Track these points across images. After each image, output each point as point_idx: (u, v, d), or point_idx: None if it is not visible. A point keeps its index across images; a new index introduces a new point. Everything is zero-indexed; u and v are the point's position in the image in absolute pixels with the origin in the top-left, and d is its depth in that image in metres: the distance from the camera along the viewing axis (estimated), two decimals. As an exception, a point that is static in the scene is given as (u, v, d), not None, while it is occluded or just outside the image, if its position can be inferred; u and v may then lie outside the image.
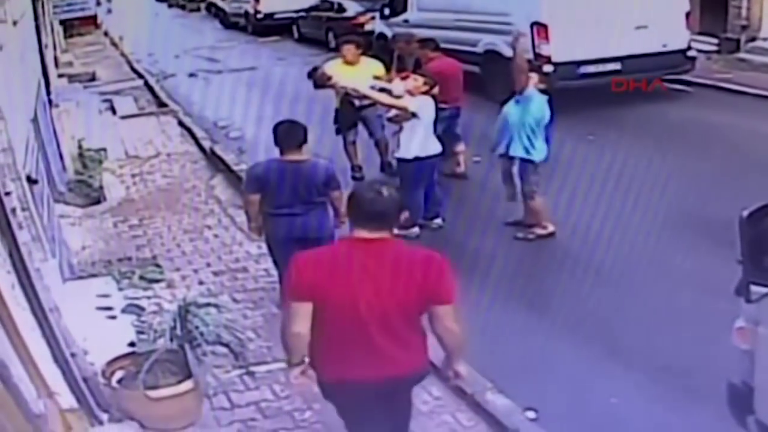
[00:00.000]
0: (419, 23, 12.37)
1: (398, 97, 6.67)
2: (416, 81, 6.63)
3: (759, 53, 13.11)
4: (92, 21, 24.80)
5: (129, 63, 18.07)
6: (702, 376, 4.29)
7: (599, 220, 6.54)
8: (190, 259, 6.56)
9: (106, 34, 23.97)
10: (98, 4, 27.35)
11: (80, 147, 9.41)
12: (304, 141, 5.00)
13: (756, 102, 10.73)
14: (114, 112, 12.69)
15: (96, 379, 4.17)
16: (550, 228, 6.58)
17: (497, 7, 11.31)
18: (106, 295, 5.57)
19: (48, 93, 9.27)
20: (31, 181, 5.37)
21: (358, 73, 7.62)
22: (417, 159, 6.55)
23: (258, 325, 5.30)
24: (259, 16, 21.72)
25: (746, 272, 2.69)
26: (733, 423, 3.35)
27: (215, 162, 9.33)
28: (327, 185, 5.00)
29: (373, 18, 15.75)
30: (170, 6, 33.63)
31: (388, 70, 8.11)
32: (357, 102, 7.77)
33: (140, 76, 16.14)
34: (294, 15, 20.19)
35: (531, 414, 4.20)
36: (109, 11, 27.44)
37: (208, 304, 4.48)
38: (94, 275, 6.10)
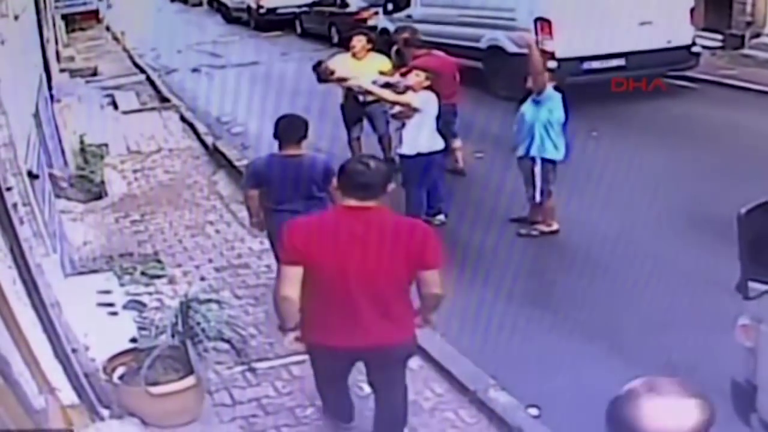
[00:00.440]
0: (422, 19, 12.33)
1: (401, 92, 6.63)
2: (418, 76, 6.60)
3: (763, 49, 13.06)
4: (94, 15, 24.78)
5: (131, 58, 18.05)
6: (706, 374, 4.24)
7: (603, 217, 6.53)
8: (192, 254, 6.54)
9: (108, 28, 23.94)
10: (101, -1, 27.34)
11: (82, 142, 9.39)
12: (304, 136, 4.97)
13: (760, 98, 10.69)
14: (116, 107, 12.67)
15: (97, 375, 4.16)
16: (555, 226, 6.57)
17: (501, 2, 11.27)
18: (107, 291, 5.56)
19: (50, 88, 9.26)
20: (33, 176, 5.36)
21: (364, 68, 7.60)
22: (419, 155, 6.53)
23: (259, 321, 5.28)
24: (261, 10, 21.68)
25: (744, 269, 2.70)
26: (738, 421, 3.33)
27: (217, 157, 9.32)
28: (326, 180, 4.97)
29: (376, 13, 15.72)
30: (172, 1, 33.58)
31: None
32: (361, 98, 7.74)
33: (142, 71, 16.12)
34: (297, 10, 20.14)
35: (534, 411, 4.19)
36: (109, 6, 27.39)
37: (209, 300, 4.47)
38: (95, 271, 6.09)
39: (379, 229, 3.33)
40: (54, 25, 16.68)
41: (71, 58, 17.09)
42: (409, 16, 13.10)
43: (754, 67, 12.38)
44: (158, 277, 6.01)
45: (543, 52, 10.29)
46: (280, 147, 4.97)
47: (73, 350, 4.09)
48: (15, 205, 4.09)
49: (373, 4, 16.57)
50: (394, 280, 3.34)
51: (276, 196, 4.98)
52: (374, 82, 7.03)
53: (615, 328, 5.04)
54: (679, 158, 7.90)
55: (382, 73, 7.43)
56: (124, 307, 5.38)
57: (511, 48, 11.00)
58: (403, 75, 6.85)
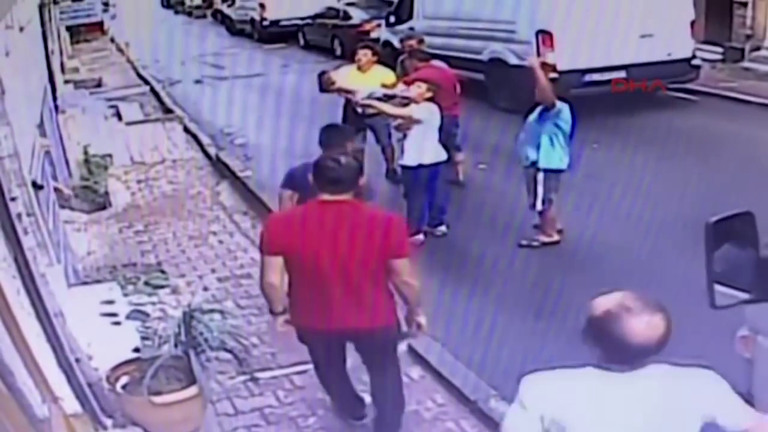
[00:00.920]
0: (424, 31, 12.35)
1: (405, 105, 6.67)
2: (420, 88, 6.64)
3: (763, 62, 13.11)
4: (99, 27, 24.85)
5: (135, 69, 18.14)
6: None
7: (604, 228, 6.55)
8: (195, 265, 6.57)
9: (112, 40, 24.06)
10: (105, 10, 27.43)
11: (86, 153, 9.44)
12: (349, 143, 5.02)
13: (760, 111, 10.72)
14: (120, 118, 12.74)
15: (100, 384, 4.18)
16: (555, 237, 6.59)
17: (502, 15, 11.33)
18: (110, 301, 5.58)
19: (54, 99, 9.33)
20: (37, 186, 5.40)
21: (367, 80, 7.65)
22: (421, 166, 6.57)
23: (262, 331, 5.30)
24: (265, 23, 21.78)
25: (709, 274, 2.83)
26: None
27: (220, 168, 9.36)
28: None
29: (378, 25, 15.81)
30: (176, 13, 33.75)
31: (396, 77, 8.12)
32: (360, 109, 7.78)
33: (146, 82, 16.20)
34: (300, 22, 20.25)
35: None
36: (113, 16, 27.51)
37: (212, 310, 4.49)
38: (98, 281, 6.12)
39: (350, 220, 3.56)
40: (59, 36, 16.78)
41: (76, 70, 17.19)
42: (411, 29, 13.16)
43: (754, 79, 12.42)
44: (161, 287, 6.03)
45: (544, 64, 10.42)
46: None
47: (77, 360, 4.11)
48: (19, 215, 4.13)
49: (376, 17, 16.67)
50: (366, 268, 3.55)
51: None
52: (371, 95, 7.08)
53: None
54: (679, 170, 7.92)
55: (384, 85, 7.48)
56: (128, 317, 5.40)
57: (513, 60, 11.07)
58: (408, 84, 6.89)
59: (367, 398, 4.16)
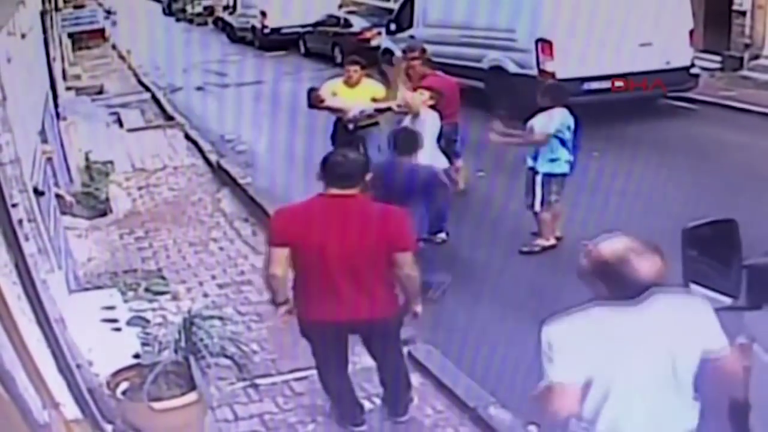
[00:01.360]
0: (425, 39, 12.41)
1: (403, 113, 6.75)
2: (422, 95, 6.69)
3: (762, 71, 13.15)
4: (100, 34, 24.89)
5: (136, 76, 18.19)
6: (707, 391, 4.28)
7: (604, 236, 6.55)
8: (196, 271, 6.59)
9: (114, 47, 24.13)
10: (107, 17, 27.49)
11: (87, 159, 9.47)
12: (418, 148, 5.52)
13: (759, 119, 10.75)
14: (121, 124, 12.78)
15: (101, 390, 4.19)
16: (552, 241, 6.62)
17: (503, 23, 11.37)
18: (111, 307, 5.59)
19: (56, 105, 9.35)
20: (38, 192, 5.42)
21: (357, 95, 7.64)
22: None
23: (262, 337, 5.32)
24: (266, 30, 21.83)
25: (685, 275, 3.04)
26: None
27: (221, 175, 9.38)
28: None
29: (379, 33, 15.86)
30: (178, 20, 33.81)
31: (389, 86, 8.14)
32: (350, 125, 7.76)
33: (147, 89, 16.24)
34: (300, 30, 20.30)
35: (533, 429, 4.20)
36: (114, 23, 27.57)
37: (212, 317, 4.49)
38: (99, 287, 6.13)
39: (357, 214, 3.69)
40: (61, 43, 16.83)
41: (77, 77, 17.23)
42: (412, 37, 13.21)
43: (753, 88, 12.45)
44: (162, 293, 6.05)
45: (544, 72, 10.46)
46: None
47: (77, 365, 4.12)
48: (21, 221, 4.15)
49: (377, 25, 16.72)
50: (371, 260, 3.66)
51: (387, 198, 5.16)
52: (362, 112, 7.13)
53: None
54: (678, 178, 7.95)
55: (374, 99, 7.50)
56: (128, 323, 5.41)
57: (513, 68, 11.11)
58: (415, 89, 6.96)
59: (367, 405, 4.18)
